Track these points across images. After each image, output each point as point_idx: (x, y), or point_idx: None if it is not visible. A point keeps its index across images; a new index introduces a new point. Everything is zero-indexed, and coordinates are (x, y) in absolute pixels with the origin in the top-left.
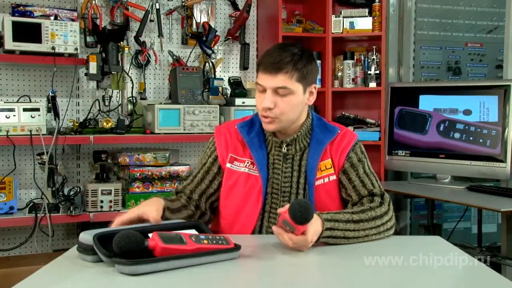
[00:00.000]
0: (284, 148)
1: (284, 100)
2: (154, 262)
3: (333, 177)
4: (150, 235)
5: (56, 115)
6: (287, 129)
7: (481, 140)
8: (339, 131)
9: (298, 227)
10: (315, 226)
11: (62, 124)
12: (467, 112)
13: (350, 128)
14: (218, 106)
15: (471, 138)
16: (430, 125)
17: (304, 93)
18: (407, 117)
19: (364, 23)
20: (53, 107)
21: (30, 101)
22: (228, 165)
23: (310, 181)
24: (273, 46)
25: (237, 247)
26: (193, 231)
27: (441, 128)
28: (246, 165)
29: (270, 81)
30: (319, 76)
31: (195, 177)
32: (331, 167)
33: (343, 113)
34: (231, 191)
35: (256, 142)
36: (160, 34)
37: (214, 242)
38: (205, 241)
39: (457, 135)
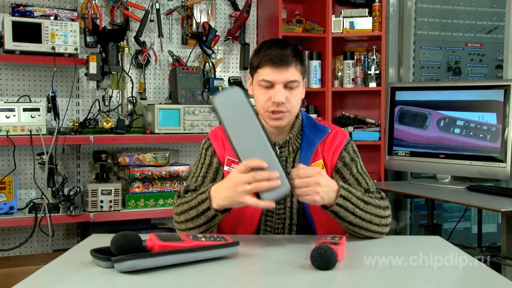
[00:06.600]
0: (277, 151)
1: (293, 94)
2: (153, 256)
3: None
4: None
5: (56, 115)
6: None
7: (481, 135)
8: (330, 131)
9: None
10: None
11: (62, 124)
12: (467, 111)
13: (350, 128)
14: None
15: (471, 133)
16: (430, 122)
17: (303, 87)
18: (407, 115)
19: (364, 23)
20: (53, 107)
21: (30, 101)
22: (225, 168)
23: None
24: (267, 44)
25: (235, 243)
26: None
27: (441, 124)
28: None
29: (280, 75)
30: (319, 76)
31: (198, 176)
32: (323, 168)
33: (343, 113)
34: None
35: None
36: (160, 34)
37: (212, 239)
38: (203, 239)
39: (457, 130)
